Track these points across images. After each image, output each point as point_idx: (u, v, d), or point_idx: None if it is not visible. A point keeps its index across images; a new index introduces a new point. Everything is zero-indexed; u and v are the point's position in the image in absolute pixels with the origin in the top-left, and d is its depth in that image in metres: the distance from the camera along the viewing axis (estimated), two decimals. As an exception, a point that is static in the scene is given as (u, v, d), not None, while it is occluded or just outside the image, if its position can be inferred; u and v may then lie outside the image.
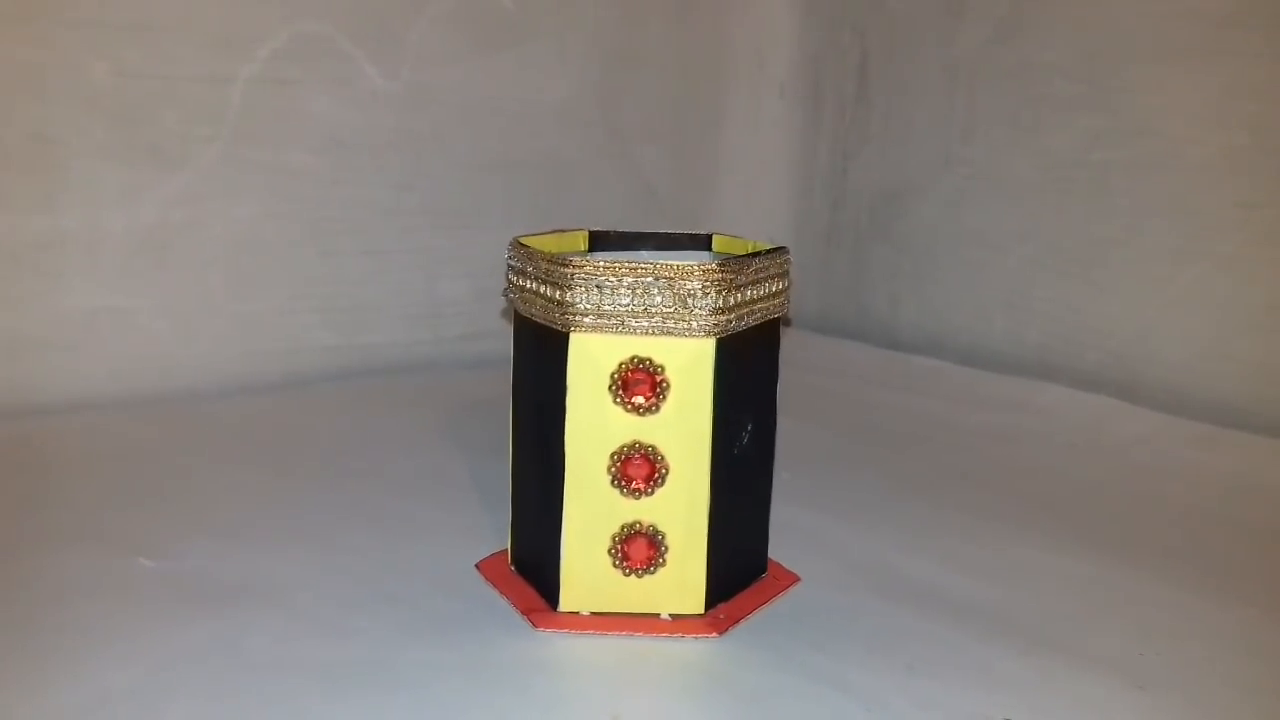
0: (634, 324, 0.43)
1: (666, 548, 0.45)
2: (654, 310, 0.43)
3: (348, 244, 0.84)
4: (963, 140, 0.92)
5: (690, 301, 0.43)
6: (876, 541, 0.56)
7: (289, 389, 0.80)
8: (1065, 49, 0.84)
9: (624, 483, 0.45)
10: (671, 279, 0.43)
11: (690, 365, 0.44)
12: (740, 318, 0.45)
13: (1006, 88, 0.88)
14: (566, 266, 0.43)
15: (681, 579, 0.46)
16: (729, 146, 1.05)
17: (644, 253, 0.52)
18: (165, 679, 0.41)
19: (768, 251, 0.47)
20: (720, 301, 0.44)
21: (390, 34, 0.83)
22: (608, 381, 0.44)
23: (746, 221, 1.04)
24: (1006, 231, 0.89)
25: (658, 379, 0.44)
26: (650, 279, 0.43)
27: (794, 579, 0.51)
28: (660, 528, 0.45)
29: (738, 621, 0.47)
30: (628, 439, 0.44)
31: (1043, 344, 0.87)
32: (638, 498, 0.45)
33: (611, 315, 0.43)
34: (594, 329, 0.43)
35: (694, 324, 0.43)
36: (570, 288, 0.43)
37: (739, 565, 0.49)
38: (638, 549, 0.45)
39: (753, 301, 0.45)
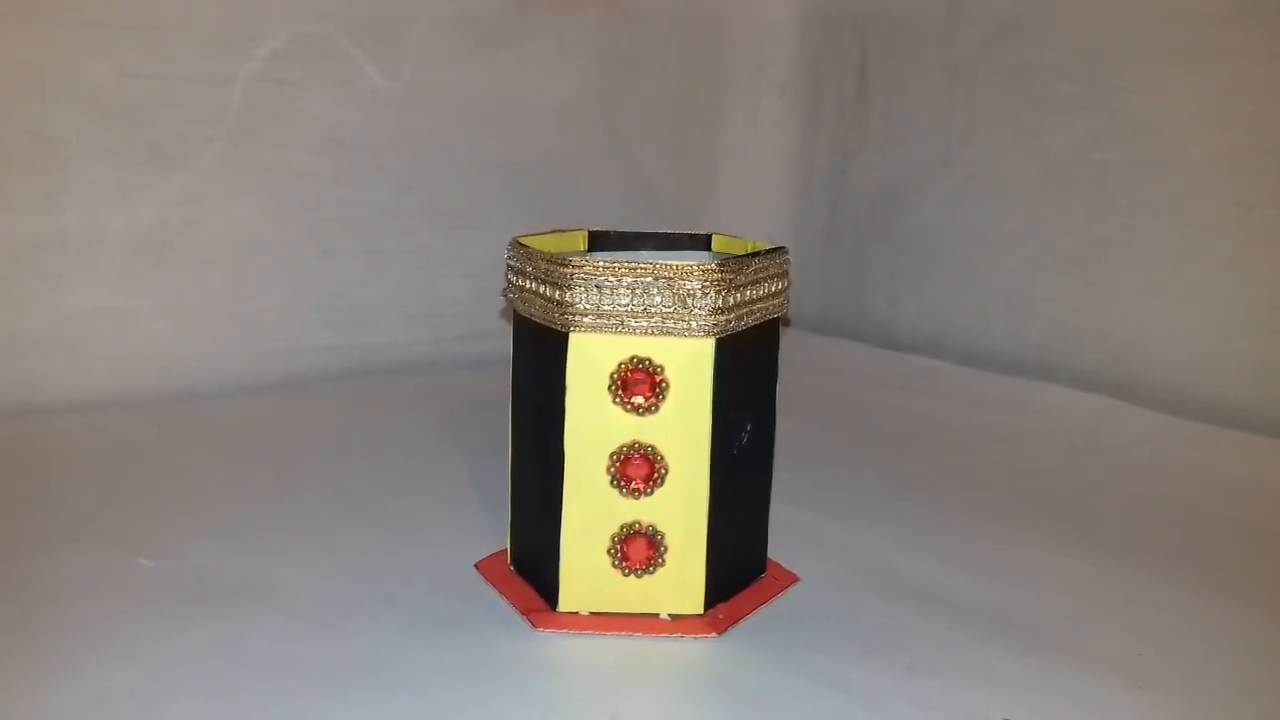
0: (633, 324, 0.43)
1: (666, 548, 0.45)
2: (653, 310, 0.43)
3: (347, 244, 0.84)
4: (962, 140, 0.92)
5: (690, 301, 0.43)
6: (876, 541, 0.56)
7: (289, 389, 0.80)
8: (1065, 49, 0.84)
9: (623, 483, 0.45)
10: (671, 279, 0.43)
11: (690, 365, 0.44)
12: (740, 318, 0.45)
13: (1006, 88, 0.88)
14: (566, 266, 0.43)
15: (681, 579, 0.46)
16: (728, 146, 1.05)
17: (643, 253, 0.52)
18: (165, 679, 0.41)
19: (767, 251, 0.47)
20: (720, 301, 0.44)
21: (390, 34, 0.83)
22: (607, 381, 0.44)
23: (746, 221, 1.04)
24: (1006, 231, 0.89)
25: (657, 379, 0.44)
26: (650, 279, 0.43)
27: (793, 579, 0.51)
28: (659, 528, 0.45)
29: (737, 622, 0.47)
30: (627, 439, 0.44)
31: (1042, 344, 0.87)
32: (637, 498, 0.45)
33: (611, 315, 0.43)
34: (593, 329, 0.43)
35: (693, 324, 0.43)
36: (570, 288, 0.43)
37: (738, 565, 0.49)
38: (637, 549, 0.45)
39: (752, 301, 0.45)
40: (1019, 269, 0.89)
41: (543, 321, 0.45)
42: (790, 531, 0.55)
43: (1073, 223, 0.85)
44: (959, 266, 0.93)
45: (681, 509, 0.45)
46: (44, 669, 0.41)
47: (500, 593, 0.48)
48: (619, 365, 0.44)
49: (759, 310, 0.46)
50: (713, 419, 0.45)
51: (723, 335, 0.44)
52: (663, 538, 0.45)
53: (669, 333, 0.44)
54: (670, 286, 0.43)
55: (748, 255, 0.46)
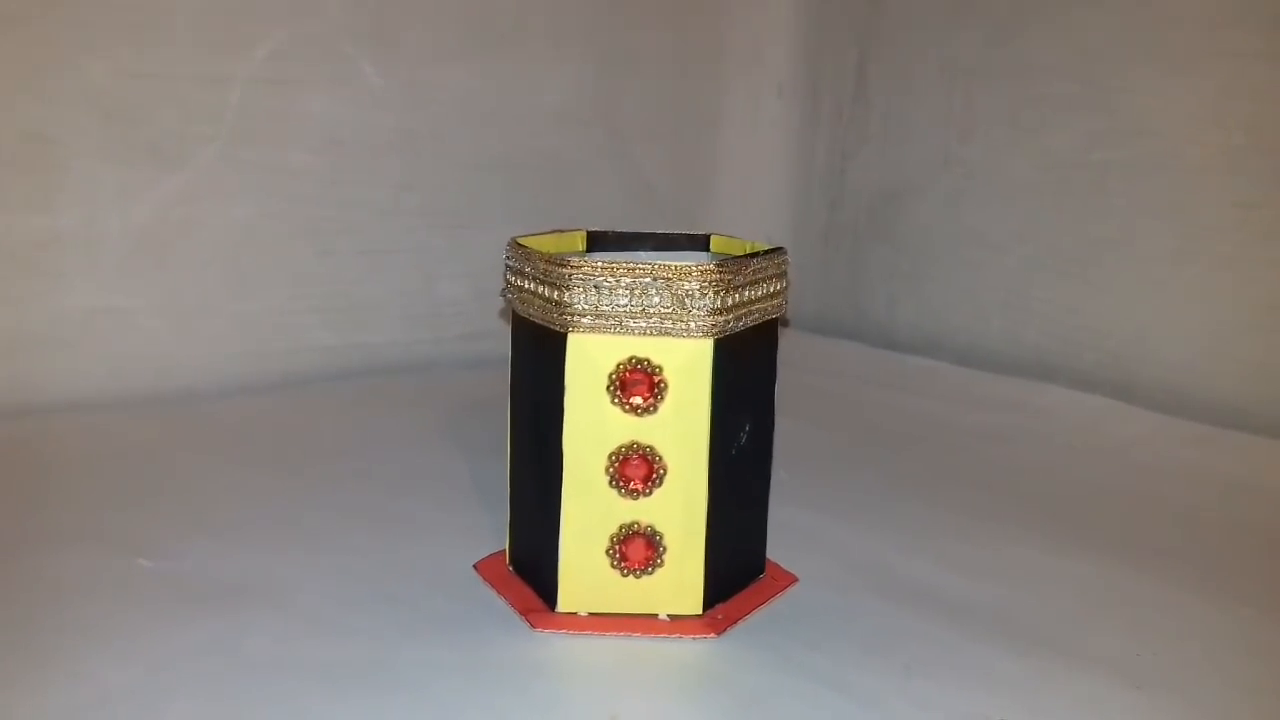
0: (632, 324, 0.43)
1: (664, 548, 0.45)
2: (652, 311, 0.43)
3: (346, 244, 0.84)
4: (961, 140, 0.92)
5: (688, 302, 0.43)
6: (874, 542, 0.56)
7: (288, 389, 0.80)
8: (1064, 49, 0.84)
9: (622, 483, 0.45)
10: (670, 279, 0.43)
11: (688, 366, 0.44)
12: (738, 318, 0.45)
13: (1005, 88, 0.88)
14: (565, 267, 0.43)
15: (679, 579, 0.46)
16: (727, 146, 1.05)
17: (642, 253, 0.52)
18: (165, 679, 0.41)
19: (766, 252, 0.47)
20: (718, 302, 0.44)
21: (389, 34, 0.83)
22: (606, 382, 0.44)
23: (744, 221, 1.04)
24: (1005, 232, 0.90)
25: (656, 379, 0.44)
26: (648, 279, 0.43)
27: (792, 579, 0.51)
28: (658, 528, 0.45)
29: (736, 622, 0.47)
30: (626, 439, 0.44)
31: (1040, 344, 0.87)
32: (636, 498, 0.45)
33: (609, 316, 0.43)
34: (592, 329, 0.43)
35: (692, 324, 0.43)
36: (568, 288, 0.43)
37: (737, 565, 0.49)
38: (636, 549, 0.45)
39: (750, 302, 0.46)
40: (1018, 269, 0.89)
41: (541, 322, 0.45)
42: (789, 532, 0.55)
43: (1071, 223, 0.85)
44: (958, 267, 0.93)
45: (680, 509, 0.45)
46: (44, 669, 0.41)
47: (499, 593, 0.48)
48: (617, 366, 0.44)
49: (757, 311, 0.46)
50: (711, 419, 0.45)
51: (721, 336, 0.44)
52: (661, 538, 0.45)
53: (667, 333, 0.44)
54: (669, 287, 0.43)
55: (746, 256, 0.46)
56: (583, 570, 0.46)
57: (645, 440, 0.44)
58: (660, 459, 0.45)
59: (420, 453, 0.67)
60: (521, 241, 0.47)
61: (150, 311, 0.77)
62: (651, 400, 0.44)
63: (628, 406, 0.44)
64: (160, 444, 0.67)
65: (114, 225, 0.75)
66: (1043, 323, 0.87)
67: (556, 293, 0.44)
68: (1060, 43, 0.84)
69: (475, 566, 0.51)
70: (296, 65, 0.79)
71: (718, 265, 0.44)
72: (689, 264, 0.43)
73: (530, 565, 0.49)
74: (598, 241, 0.53)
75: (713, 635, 0.46)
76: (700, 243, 0.53)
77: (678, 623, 0.46)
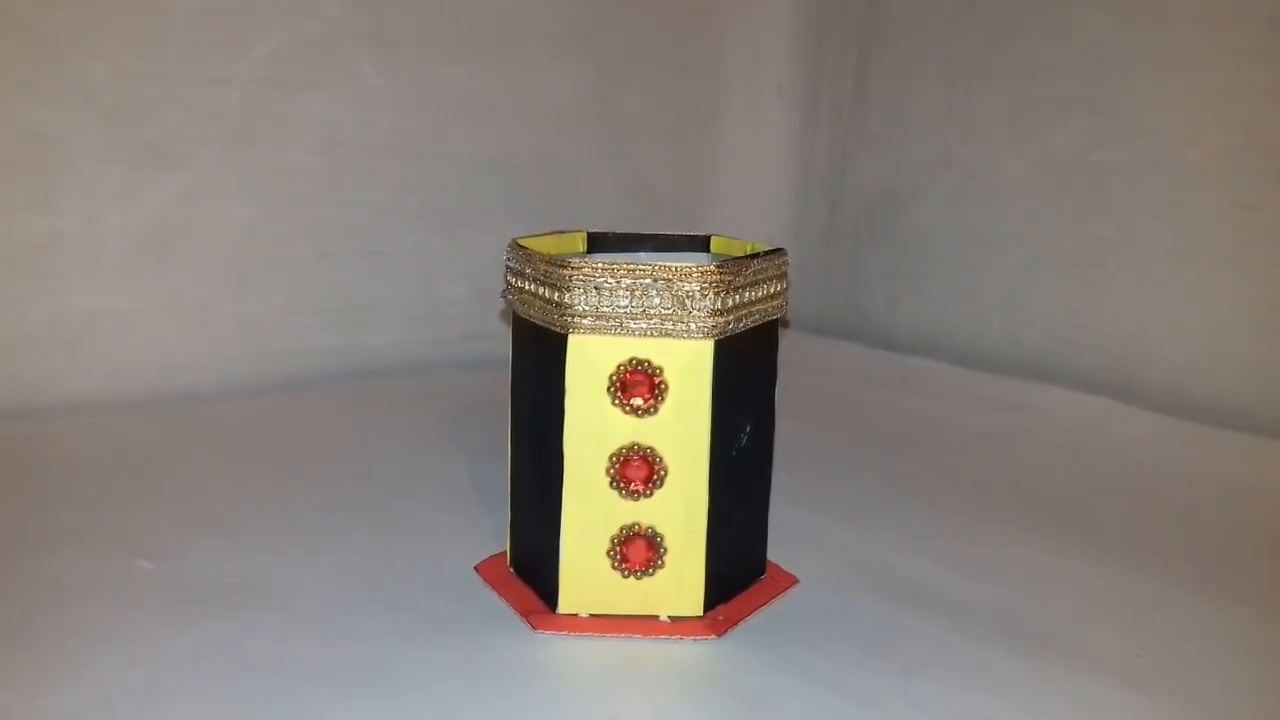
0: (632, 325, 0.43)
1: (665, 549, 0.45)
2: (652, 312, 0.43)
3: (346, 244, 0.84)
4: (961, 141, 0.92)
5: (689, 303, 0.43)
6: (875, 543, 0.56)
7: (288, 390, 0.80)
8: (1064, 49, 0.84)
9: (622, 484, 0.45)
10: (670, 280, 0.43)
11: (689, 367, 0.44)
12: (738, 319, 0.45)
13: (1005, 88, 0.88)
14: (565, 268, 0.43)
15: (680, 580, 0.46)
16: (727, 147, 1.05)
17: (642, 254, 0.52)
18: (165, 679, 0.41)
19: (766, 253, 0.47)
20: (718, 303, 0.44)
21: (389, 34, 0.83)
22: (606, 383, 0.44)
23: (744, 222, 1.04)
24: (1005, 232, 0.90)
25: (656, 380, 0.44)
26: (649, 280, 0.43)
27: (792, 580, 0.51)
28: (659, 529, 0.45)
29: (736, 623, 0.47)
30: (626, 440, 0.44)
31: (1040, 345, 0.87)
32: (636, 499, 0.45)
33: (610, 317, 0.43)
34: (592, 330, 0.43)
35: (692, 325, 0.43)
36: (569, 289, 0.43)
37: (738, 567, 0.49)
38: (636, 550, 0.45)
39: (751, 303, 0.46)
40: (1018, 270, 0.89)
41: (542, 323, 0.45)
42: (789, 533, 0.55)
43: (1071, 223, 0.85)
44: (958, 267, 0.93)
45: (681, 510, 0.45)
46: (44, 669, 0.41)
47: (500, 594, 0.48)
48: (618, 367, 0.44)
49: (758, 312, 0.46)
50: (712, 420, 0.45)
51: (721, 337, 0.44)
52: (662, 539, 0.45)
53: (668, 334, 0.44)
54: (669, 288, 0.43)
55: (746, 257, 0.46)
56: (583, 571, 0.46)
57: (646, 441, 0.44)
58: (661, 460, 0.45)
59: (420, 453, 0.67)
60: (522, 243, 0.47)
61: (150, 312, 0.77)
62: (652, 401, 0.44)
63: (628, 407, 0.44)
64: (160, 445, 0.67)
65: (114, 226, 0.75)
66: (1043, 323, 0.87)
67: (557, 294, 0.44)
68: (1060, 43, 0.84)
69: (476, 568, 0.51)
70: (296, 66, 0.79)
71: (718, 266, 0.44)
72: (689, 265, 0.43)
73: (531, 566, 0.49)
74: (598, 242, 0.53)
75: (713, 636, 0.46)
76: (701, 244, 0.53)
77: (678, 624, 0.46)
